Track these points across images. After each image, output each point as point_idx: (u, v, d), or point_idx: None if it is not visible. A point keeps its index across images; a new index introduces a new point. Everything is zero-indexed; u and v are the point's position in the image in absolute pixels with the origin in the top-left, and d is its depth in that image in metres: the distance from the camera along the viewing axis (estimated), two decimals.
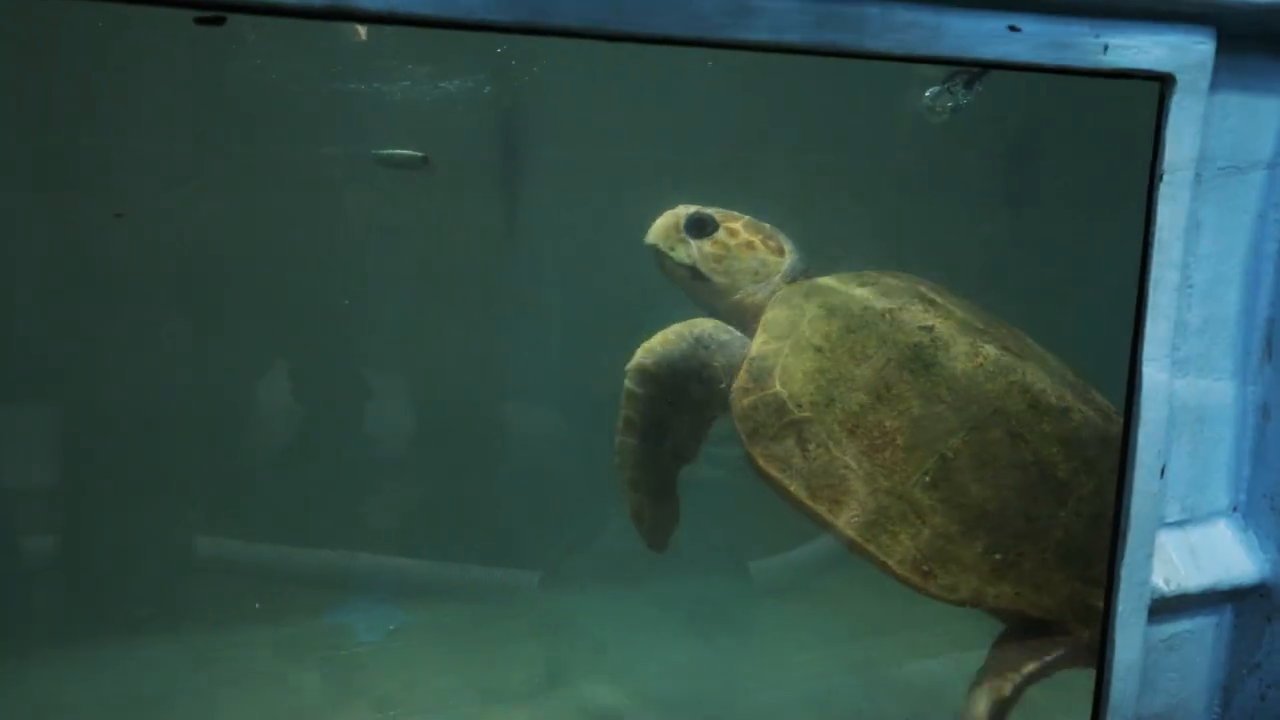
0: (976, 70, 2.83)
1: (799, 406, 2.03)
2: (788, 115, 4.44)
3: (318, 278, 3.90)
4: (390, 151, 2.23)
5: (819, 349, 2.08)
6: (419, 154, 2.24)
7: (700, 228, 2.32)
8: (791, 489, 1.98)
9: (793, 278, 2.34)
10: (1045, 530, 1.93)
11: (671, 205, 2.40)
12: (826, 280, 2.32)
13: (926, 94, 3.14)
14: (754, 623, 3.76)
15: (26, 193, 3.40)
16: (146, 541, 3.66)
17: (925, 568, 1.90)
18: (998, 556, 1.90)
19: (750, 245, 2.30)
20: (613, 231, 4.26)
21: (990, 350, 2.09)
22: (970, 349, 2.09)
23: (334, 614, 3.74)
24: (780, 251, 2.34)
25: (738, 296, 2.32)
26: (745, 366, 2.13)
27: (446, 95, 4.12)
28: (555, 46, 4.27)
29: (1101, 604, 1.82)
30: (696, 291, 2.38)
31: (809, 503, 1.97)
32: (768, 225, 2.38)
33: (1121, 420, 1.83)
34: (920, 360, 2.05)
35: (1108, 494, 1.93)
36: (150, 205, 3.62)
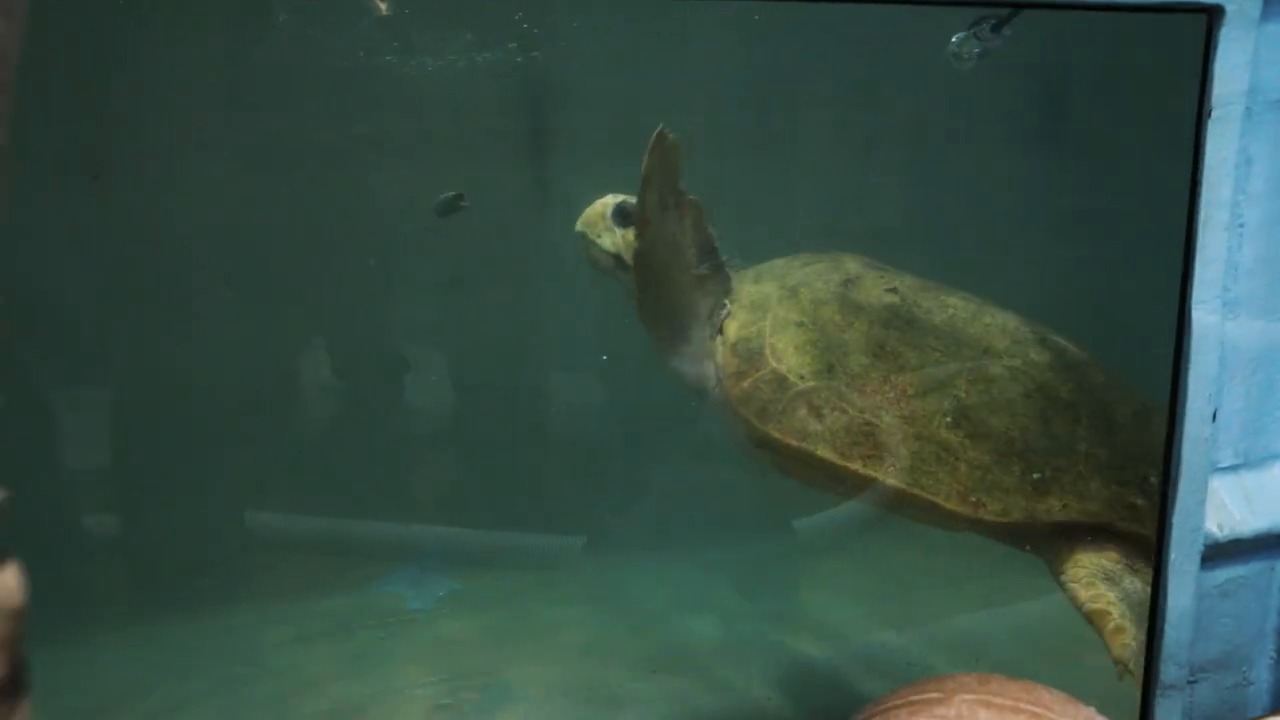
0: (1004, 14, 2.75)
1: (801, 378, 2.07)
2: (814, 71, 4.38)
3: (354, 255, 3.93)
4: (442, 198, 2.32)
5: (800, 324, 2.14)
6: (454, 194, 2.33)
7: (625, 217, 2.37)
8: (819, 453, 2.01)
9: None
10: (1069, 445, 2.02)
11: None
12: (769, 266, 2.38)
13: (953, 40, 3.05)
14: (798, 582, 3.77)
15: (72, 185, 3.45)
16: (201, 518, 3.74)
17: (974, 499, 1.96)
18: (1036, 476, 1.98)
19: None
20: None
21: (954, 300, 2.24)
22: (937, 302, 2.23)
23: (383, 583, 3.81)
24: None
25: None
26: (729, 352, 2.15)
27: (471, 67, 4.11)
28: (580, 14, 4.23)
29: (1140, 500, 1.94)
30: (621, 280, 2.44)
31: (841, 462, 2.00)
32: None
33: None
34: (900, 318, 2.17)
35: (1110, 406, 2.10)
36: (190, 189, 3.67)
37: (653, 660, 3.16)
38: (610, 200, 2.40)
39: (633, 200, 2.34)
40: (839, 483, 2.10)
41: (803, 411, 2.04)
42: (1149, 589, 1.89)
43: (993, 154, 4.37)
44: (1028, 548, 2.08)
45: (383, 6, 3.79)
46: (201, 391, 3.73)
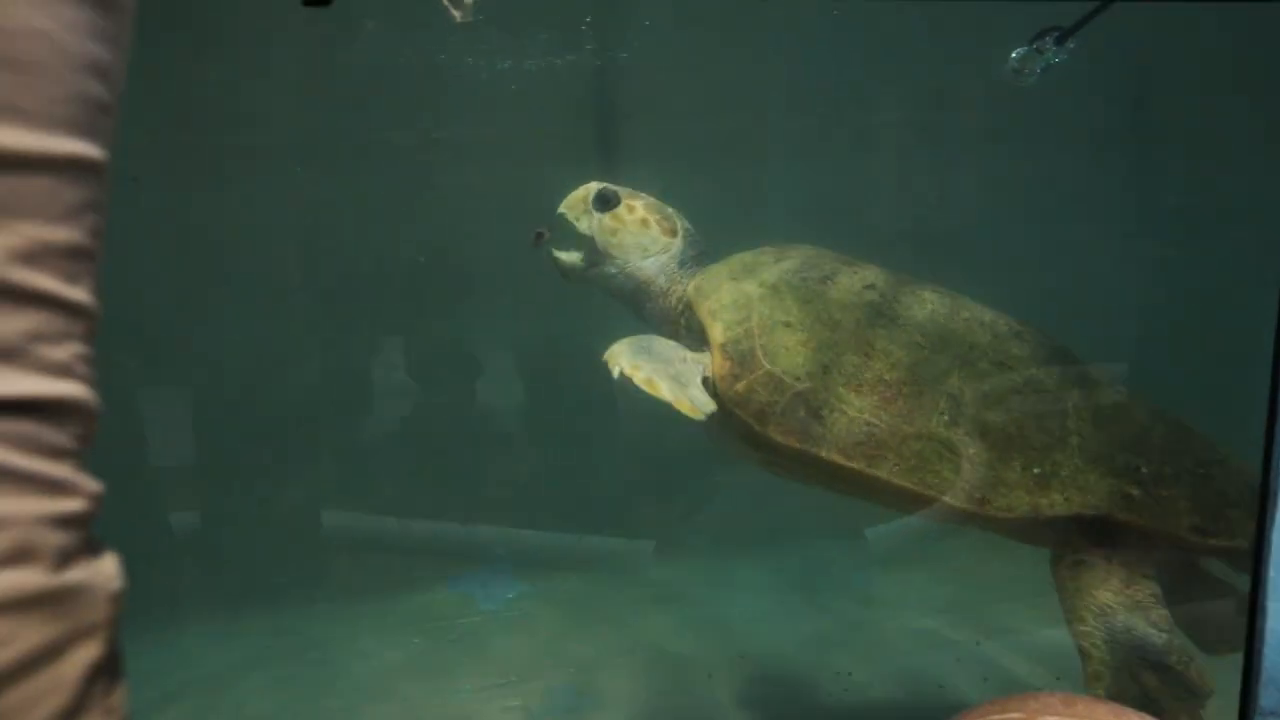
0: (1069, 25, 2.67)
1: (797, 379, 2.08)
2: (886, 72, 4.31)
3: (427, 256, 4.00)
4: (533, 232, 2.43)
5: (788, 324, 2.15)
6: (539, 230, 2.42)
7: (605, 202, 2.41)
8: (823, 454, 2.01)
9: (684, 260, 2.42)
10: (1063, 438, 2.05)
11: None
12: (740, 260, 2.38)
13: (1013, 55, 2.97)
14: (871, 590, 3.71)
15: (160, 188, 3.58)
16: (280, 516, 3.85)
17: (978, 495, 1.97)
18: (1036, 471, 2.00)
19: (644, 222, 2.39)
20: (715, 199, 4.23)
21: (929, 295, 2.25)
22: (915, 297, 2.24)
23: (455, 583, 3.86)
24: (673, 233, 2.42)
25: (626, 268, 2.42)
26: (719, 353, 2.14)
27: (542, 70, 4.14)
28: (649, 17, 4.24)
29: (1135, 491, 1.98)
30: (590, 279, 2.50)
31: (845, 462, 2.00)
32: (670, 209, 2.46)
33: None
34: (884, 315, 2.17)
35: (1092, 396, 2.13)
36: (271, 192, 3.78)
37: (721, 663, 3.14)
38: (594, 186, 2.44)
39: (614, 187, 2.41)
40: (838, 482, 2.10)
41: (802, 413, 2.05)
42: (1146, 628, 1.91)
43: (1074, 153, 4.25)
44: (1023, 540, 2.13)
45: (458, 14, 3.85)
46: (280, 393, 3.83)
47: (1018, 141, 4.27)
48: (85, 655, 0.66)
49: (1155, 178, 4.27)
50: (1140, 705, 1.80)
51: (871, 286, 2.25)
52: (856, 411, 2.04)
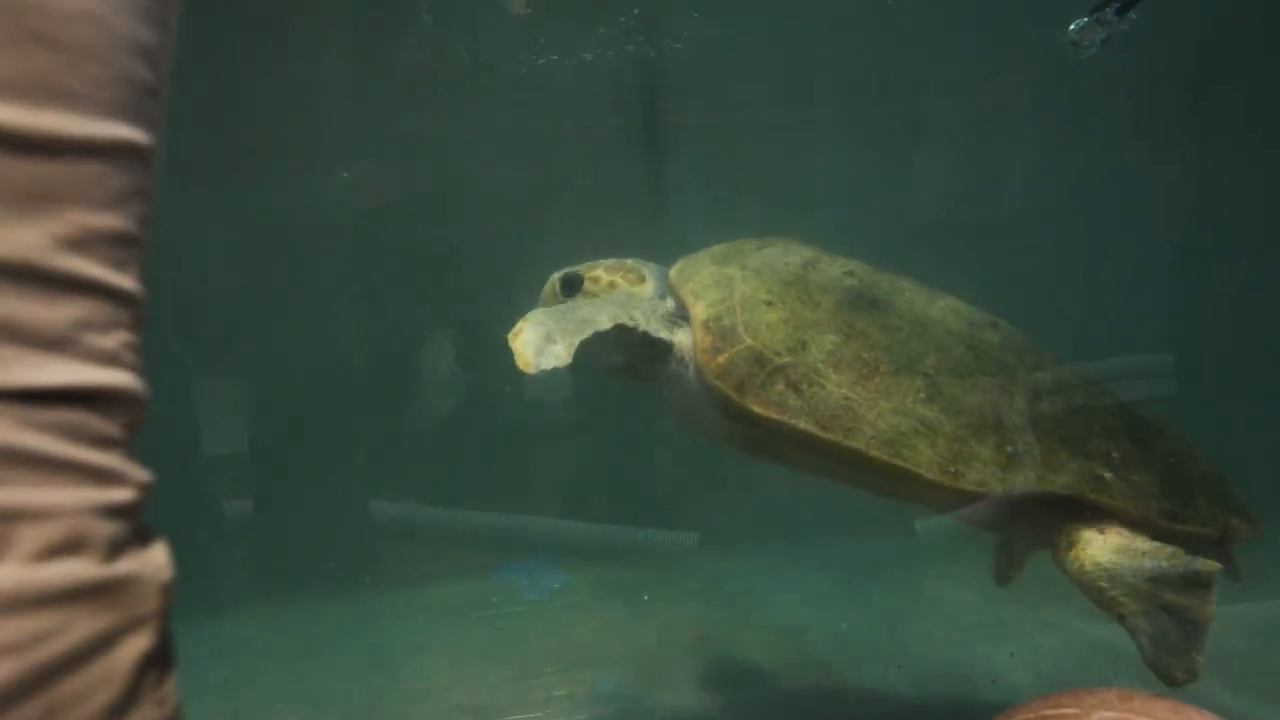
0: None
1: (776, 354, 2.12)
2: (937, 57, 4.24)
3: (473, 246, 4.02)
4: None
5: (769, 303, 2.20)
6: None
7: (571, 285, 2.44)
8: (801, 426, 2.04)
9: (662, 293, 2.45)
10: (1036, 421, 2.13)
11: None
12: (721, 249, 2.43)
13: (1071, 27, 2.89)
14: (921, 584, 3.66)
15: (217, 180, 3.63)
16: (330, 505, 3.90)
17: (952, 469, 2.02)
18: (1009, 449, 2.07)
19: (613, 285, 2.43)
20: (766, 191, 4.20)
21: (906, 284, 2.32)
22: (892, 285, 2.31)
23: (501, 573, 3.89)
24: (642, 280, 2.45)
25: None
26: (701, 328, 2.19)
27: (594, 64, 4.13)
28: (698, 6, 4.21)
29: (1106, 473, 2.06)
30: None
31: (822, 434, 2.03)
32: (627, 261, 2.49)
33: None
34: (864, 299, 2.24)
35: (1064, 385, 2.23)
36: (321, 184, 3.82)
37: (769, 654, 3.12)
38: (554, 278, 2.47)
39: (575, 269, 2.45)
40: (816, 457, 2.13)
41: (780, 386, 2.09)
42: (1145, 560, 1.97)
43: (1129, 141, 4.14)
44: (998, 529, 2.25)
45: (514, 5, 3.86)
46: (329, 382, 3.88)
47: (1071, 127, 4.18)
48: (136, 646, 0.66)
49: (1216, 166, 4.15)
50: (1178, 633, 1.89)
51: (851, 274, 2.33)
52: (835, 386, 2.09)
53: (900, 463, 2.02)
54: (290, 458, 3.86)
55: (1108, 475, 2.06)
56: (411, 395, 4.12)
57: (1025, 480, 2.05)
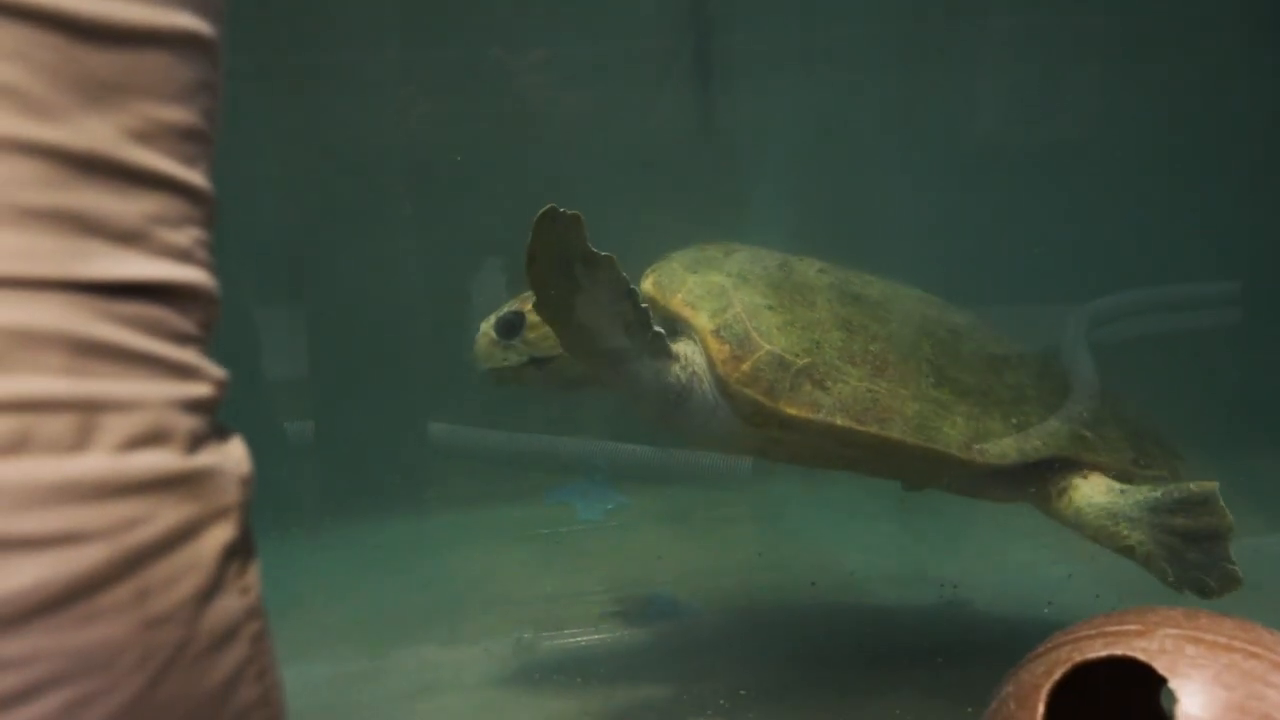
0: None
1: (796, 356, 2.16)
2: None
3: (519, 170, 3.99)
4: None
5: (770, 307, 2.22)
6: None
7: (512, 326, 2.31)
8: (838, 423, 2.11)
9: None
10: (1022, 392, 2.31)
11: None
12: (689, 256, 2.38)
13: None
14: (968, 514, 3.64)
15: (269, 98, 3.63)
16: (388, 428, 3.97)
17: (975, 446, 2.16)
18: (1014, 421, 2.22)
19: None
20: (817, 112, 4.09)
21: (869, 277, 2.43)
22: (860, 279, 2.41)
23: (554, 494, 3.96)
24: None
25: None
26: (712, 340, 2.18)
27: None
28: None
29: (1088, 432, 2.27)
30: (551, 375, 2.36)
31: (859, 428, 2.12)
32: None
33: None
34: (848, 295, 2.33)
35: (1025, 357, 2.45)
36: (376, 110, 3.81)
37: (822, 575, 3.16)
38: (486, 326, 2.33)
39: (504, 310, 2.33)
40: (846, 449, 2.21)
41: (808, 386, 2.13)
42: (1143, 494, 2.12)
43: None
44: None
45: None
46: (389, 307, 3.92)
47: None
48: (220, 536, 0.68)
49: None
50: (1195, 551, 2.01)
51: (824, 271, 2.40)
52: (857, 380, 2.16)
53: (934, 445, 2.13)
54: (351, 381, 3.92)
55: (1088, 434, 2.26)
56: (467, 321, 4.15)
57: (1035, 449, 2.20)
